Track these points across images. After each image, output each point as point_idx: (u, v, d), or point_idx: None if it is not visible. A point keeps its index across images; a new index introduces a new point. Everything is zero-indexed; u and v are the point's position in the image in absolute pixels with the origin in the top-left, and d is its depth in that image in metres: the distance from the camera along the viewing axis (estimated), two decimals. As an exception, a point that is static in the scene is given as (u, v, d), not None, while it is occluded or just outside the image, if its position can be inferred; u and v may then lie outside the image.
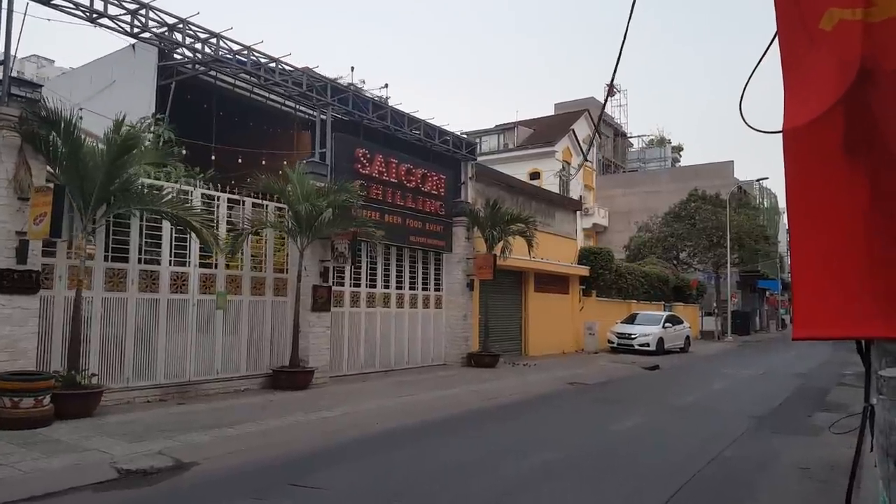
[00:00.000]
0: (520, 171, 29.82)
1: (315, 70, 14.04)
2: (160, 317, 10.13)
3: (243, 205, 11.71)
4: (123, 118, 8.63)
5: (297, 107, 15.88)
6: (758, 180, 42.46)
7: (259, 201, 11.96)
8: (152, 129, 14.30)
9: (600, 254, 24.66)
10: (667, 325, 24.57)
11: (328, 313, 12.66)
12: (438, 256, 17.04)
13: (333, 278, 13.62)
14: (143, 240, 9.99)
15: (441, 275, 17.14)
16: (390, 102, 15.95)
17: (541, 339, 21.22)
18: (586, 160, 45.83)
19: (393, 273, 15.46)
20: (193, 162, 12.84)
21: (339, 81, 13.58)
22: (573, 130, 42.36)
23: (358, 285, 14.37)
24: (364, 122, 14.61)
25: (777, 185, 61.43)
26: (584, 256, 24.38)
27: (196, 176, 11.67)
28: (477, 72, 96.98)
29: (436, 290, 16.92)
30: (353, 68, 15.39)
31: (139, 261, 9.93)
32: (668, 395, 13.50)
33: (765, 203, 52.82)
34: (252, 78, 13.28)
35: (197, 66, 15.16)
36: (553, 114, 51.68)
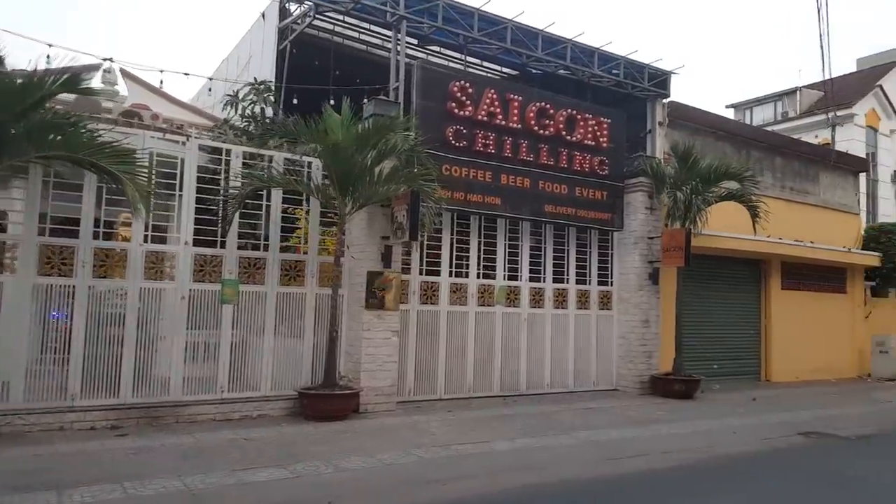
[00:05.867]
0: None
1: None
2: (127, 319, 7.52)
3: (269, 161, 8.65)
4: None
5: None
6: None
7: (293, 157, 8.79)
8: (254, 97, 12.39)
9: (898, 233, 16.42)
10: None
11: (394, 312, 8.89)
12: (604, 236, 12.02)
13: (421, 263, 9.86)
14: (103, 207, 7.50)
15: (610, 262, 12.09)
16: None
17: (793, 358, 14.41)
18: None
19: (524, 259, 11.02)
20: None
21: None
22: (881, 87, 32.07)
23: (464, 275, 10.33)
24: (468, 45, 10.57)
25: None
26: (871, 238, 16.47)
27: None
28: (744, 31, 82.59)
29: (600, 283, 11.92)
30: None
31: (95, 236, 7.43)
32: None
33: None
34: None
35: (307, 16, 12.98)
36: (854, 71, 40.12)
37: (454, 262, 10.22)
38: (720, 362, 13.49)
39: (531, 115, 10.70)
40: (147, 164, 7.39)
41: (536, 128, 10.77)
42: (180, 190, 7.97)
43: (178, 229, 7.88)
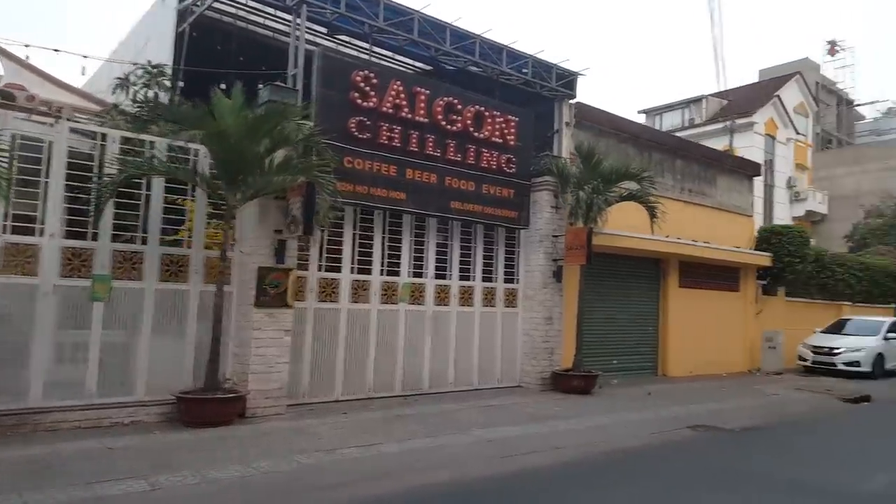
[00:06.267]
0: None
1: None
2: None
3: (151, 147, 8.03)
4: None
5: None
6: None
7: (180, 143, 8.20)
8: (147, 80, 11.57)
9: (786, 234, 17.40)
10: (891, 335, 16.72)
11: (287, 311, 8.48)
12: (511, 234, 12.05)
13: (320, 259, 9.50)
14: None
15: (516, 260, 12.12)
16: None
17: (689, 353, 15.01)
18: (797, 132, 36.79)
19: (430, 256, 10.86)
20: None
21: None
22: (779, 97, 34.05)
23: (366, 271, 10.04)
24: (374, 35, 10.29)
25: None
26: (763, 239, 17.40)
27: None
28: (661, 42, 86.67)
29: (507, 281, 11.94)
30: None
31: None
32: (855, 462, 7.43)
33: None
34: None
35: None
36: (756, 81, 42.52)
37: (356, 258, 9.90)
38: (620, 358, 13.86)
39: (438, 109, 10.52)
40: (6, 146, 6.69)
41: (444, 123, 10.61)
42: (47, 176, 7.26)
43: (44, 219, 7.17)
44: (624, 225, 12.51)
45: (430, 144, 10.47)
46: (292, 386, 8.76)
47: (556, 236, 11.94)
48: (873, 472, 6.89)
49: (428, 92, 10.46)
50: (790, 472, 6.85)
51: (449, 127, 10.68)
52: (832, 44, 50.82)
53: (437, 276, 10.94)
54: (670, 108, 39.25)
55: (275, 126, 7.82)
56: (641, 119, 37.30)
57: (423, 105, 10.34)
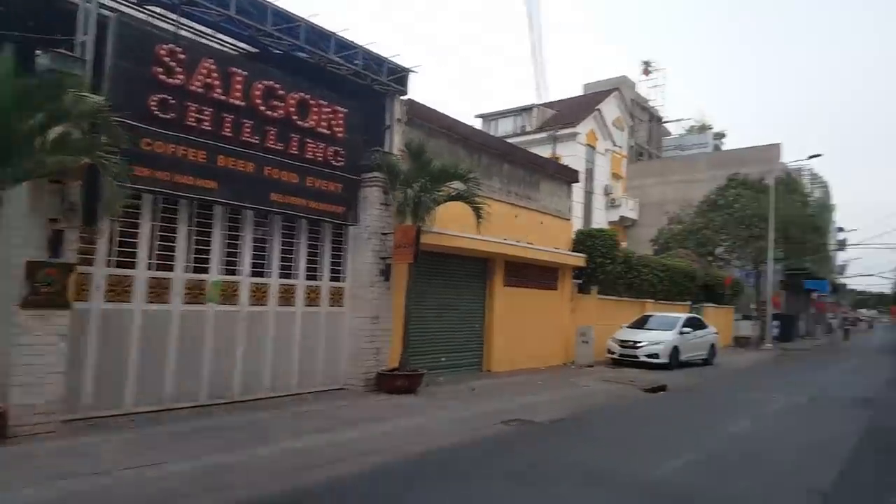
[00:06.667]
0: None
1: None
2: None
3: None
4: None
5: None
6: (809, 158, 35.56)
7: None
8: None
9: (599, 237, 18.79)
10: (685, 330, 18.73)
11: (64, 312, 7.31)
12: (339, 230, 11.59)
13: (110, 253, 8.37)
14: None
15: (343, 257, 11.69)
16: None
17: (511, 349, 15.58)
18: (614, 144, 40.05)
19: (246, 252, 10.07)
20: None
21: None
22: (599, 111, 36.75)
23: (167, 268, 9.04)
24: (183, 6, 9.28)
25: (829, 170, 53.71)
26: (579, 241, 18.60)
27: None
28: (498, 52, 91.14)
29: (333, 279, 11.47)
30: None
31: None
32: (649, 449, 8.04)
33: (815, 192, 45.88)
34: None
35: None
36: (581, 95, 45.81)
37: (155, 252, 8.87)
38: (448, 355, 14.00)
39: (257, 93, 9.77)
40: None
41: (263, 108, 9.87)
42: None
43: None
44: (453, 224, 12.60)
45: (248, 130, 9.68)
46: (71, 399, 7.59)
47: (385, 234, 11.69)
48: (665, 458, 7.41)
49: (245, 73, 9.67)
50: (592, 463, 7.19)
51: (269, 113, 9.97)
52: (646, 64, 56.44)
53: (254, 274, 10.19)
54: (504, 114, 41.12)
55: (51, 98, 6.68)
56: (479, 123, 38.60)
57: (239, 87, 9.53)
